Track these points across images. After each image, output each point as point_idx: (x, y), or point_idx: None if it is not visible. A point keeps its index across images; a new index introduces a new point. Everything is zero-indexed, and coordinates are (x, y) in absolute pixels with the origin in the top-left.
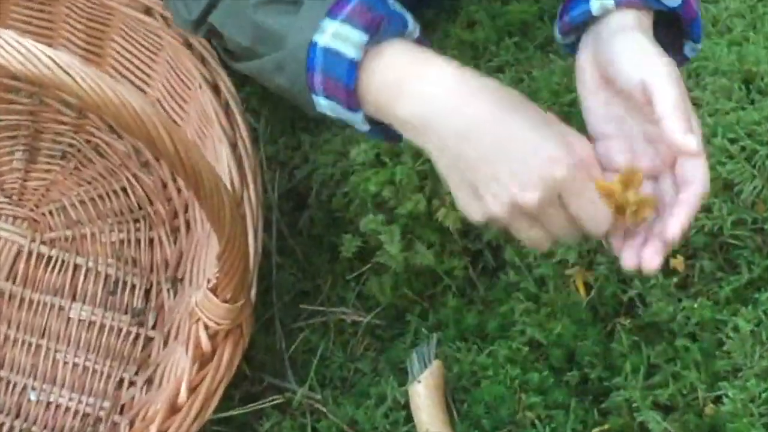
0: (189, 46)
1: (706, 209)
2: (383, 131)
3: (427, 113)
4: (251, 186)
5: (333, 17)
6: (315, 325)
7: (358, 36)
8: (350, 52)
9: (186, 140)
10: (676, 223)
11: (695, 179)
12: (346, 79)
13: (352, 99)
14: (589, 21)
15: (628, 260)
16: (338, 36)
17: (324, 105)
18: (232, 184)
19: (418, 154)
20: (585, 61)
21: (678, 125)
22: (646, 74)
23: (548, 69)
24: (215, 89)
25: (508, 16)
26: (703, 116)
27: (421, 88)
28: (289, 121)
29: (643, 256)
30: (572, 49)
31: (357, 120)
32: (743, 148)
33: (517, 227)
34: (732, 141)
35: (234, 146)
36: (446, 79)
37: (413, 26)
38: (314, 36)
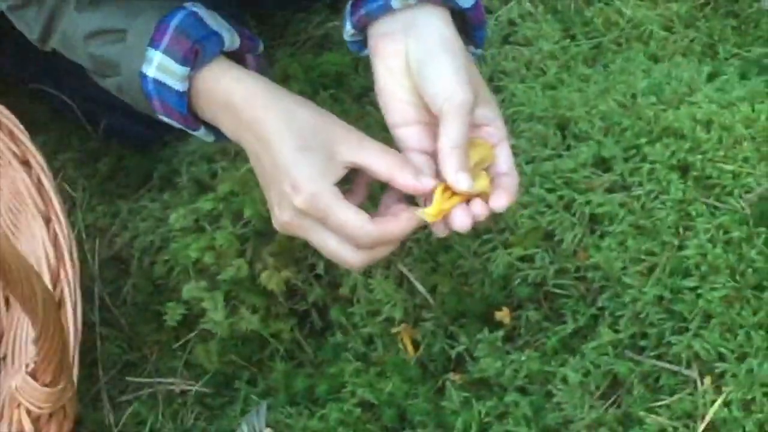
0: None
1: (528, 259)
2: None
3: (231, 136)
4: (68, 261)
5: (155, 47)
6: (144, 397)
7: (179, 69)
8: (175, 84)
9: None
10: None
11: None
12: (178, 107)
13: (188, 121)
14: (384, 15)
15: (460, 220)
16: (162, 68)
17: (169, 122)
18: (48, 261)
19: (237, 217)
20: (391, 59)
21: (451, 164)
22: (444, 104)
23: (364, 122)
24: (26, 164)
25: (322, 67)
26: (521, 164)
27: (223, 115)
28: (106, 188)
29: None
30: (360, 46)
31: (200, 135)
32: (561, 197)
33: (305, 238)
34: (549, 190)
35: (48, 222)
36: (239, 98)
37: (231, 40)
38: (142, 67)
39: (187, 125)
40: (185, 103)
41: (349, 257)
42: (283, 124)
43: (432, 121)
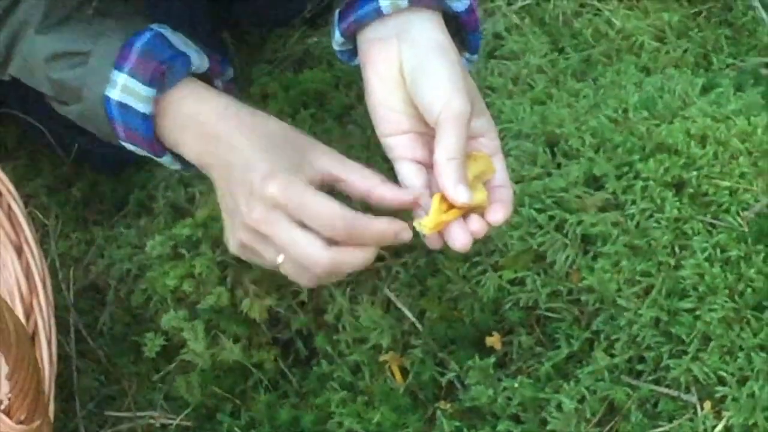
0: None
1: (519, 282)
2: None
3: (195, 159)
4: (41, 293)
5: (120, 69)
6: None
7: (145, 90)
8: (141, 107)
9: None
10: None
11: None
12: (143, 130)
13: (153, 146)
14: (375, 20)
15: (459, 240)
16: (127, 90)
17: (134, 149)
18: (20, 292)
19: (216, 243)
20: (382, 66)
21: (449, 176)
22: (441, 114)
23: (347, 143)
24: None
25: (302, 86)
26: None
27: (187, 135)
28: (80, 214)
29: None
30: (349, 56)
31: (166, 162)
32: (552, 217)
33: (263, 253)
34: (540, 210)
35: (20, 252)
36: (203, 115)
37: (199, 61)
38: (106, 90)
39: (151, 150)
40: (150, 125)
41: (318, 255)
42: (252, 132)
43: (425, 131)
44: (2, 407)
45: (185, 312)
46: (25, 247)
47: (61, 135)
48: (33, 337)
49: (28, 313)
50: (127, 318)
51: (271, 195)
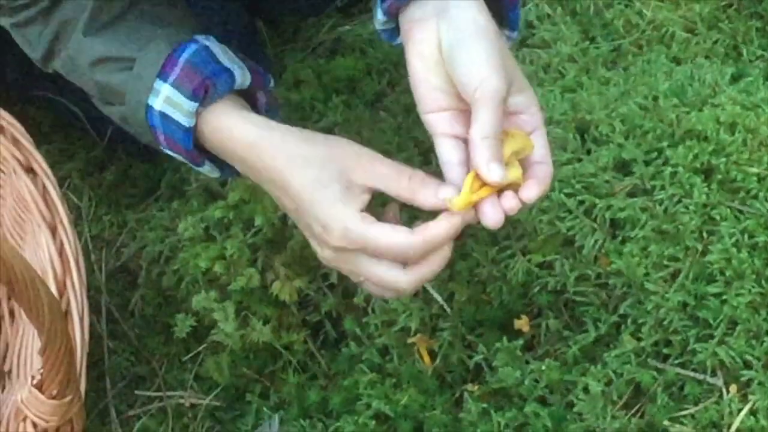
0: (0, 129)
1: (548, 266)
2: (236, 171)
3: (248, 159)
4: (74, 272)
5: (164, 79)
6: (152, 411)
7: (188, 104)
8: (183, 120)
9: None
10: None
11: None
12: (184, 143)
13: (192, 157)
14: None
15: (491, 216)
16: (170, 102)
17: (173, 156)
18: (53, 271)
19: (248, 225)
20: (423, 46)
21: (482, 154)
22: (476, 91)
23: (378, 128)
24: (31, 172)
25: (334, 72)
26: None
27: (231, 157)
28: (113, 197)
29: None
30: (391, 35)
31: (205, 171)
32: (581, 202)
33: (347, 274)
34: (569, 195)
35: (54, 231)
36: (248, 147)
37: (242, 77)
38: (149, 99)
39: (191, 161)
40: (191, 138)
41: (401, 280)
42: (294, 169)
43: (465, 108)
44: (34, 382)
45: (216, 293)
46: (60, 228)
47: (96, 118)
48: (66, 316)
49: (61, 292)
50: (158, 299)
51: (335, 246)
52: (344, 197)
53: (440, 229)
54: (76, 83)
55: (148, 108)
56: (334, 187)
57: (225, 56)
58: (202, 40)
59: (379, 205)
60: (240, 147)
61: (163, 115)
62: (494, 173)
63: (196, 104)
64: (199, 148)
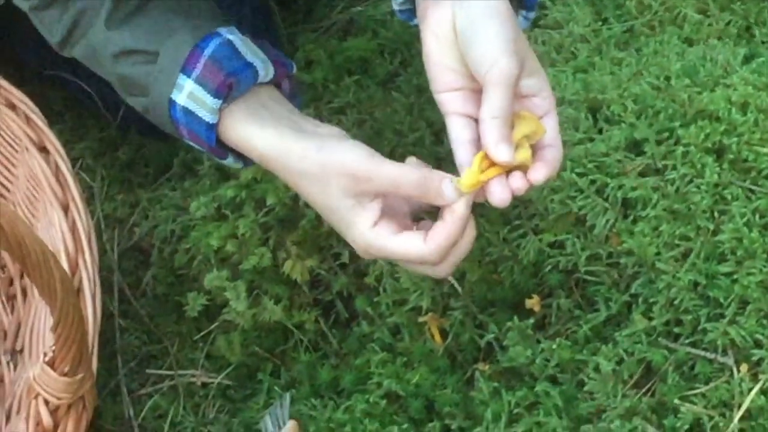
0: (13, 107)
1: (559, 246)
2: None
3: (269, 167)
4: (86, 250)
5: (187, 74)
6: (164, 390)
7: (212, 101)
8: (206, 116)
9: (10, 213)
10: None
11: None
12: (206, 138)
13: (214, 151)
14: None
15: (498, 194)
16: (193, 98)
17: (195, 147)
18: (66, 249)
19: (260, 204)
20: (438, 26)
21: (491, 135)
22: (488, 73)
23: (391, 108)
24: (43, 150)
25: (346, 53)
26: None
27: (256, 150)
28: (125, 176)
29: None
30: (409, 15)
31: (227, 163)
32: (593, 182)
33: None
34: (581, 175)
35: (66, 209)
36: (270, 147)
37: (265, 71)
38: (172, 93)
39: (214, 154)
40: (214, 134)
41: (434, 271)
42: (304, 184)
43: (478, 88)
44: (47, 359)
45: (227, 272)
46: (72, 206)
47: (108, 98)
48: (78, 294)
49: (73, 270)
50: (170, 278)
51: (362, 255)
52: (356, 214)
53: (449, 229)
54: (98, 73)
55: (172, 102)
56: (345, 203)
57: (248, 49)
58: (225, 33)
59: None
60: (256, 156)
61: (187, 111)
62: (502, 153)
63: (220, 101)
64: (221, 142)
